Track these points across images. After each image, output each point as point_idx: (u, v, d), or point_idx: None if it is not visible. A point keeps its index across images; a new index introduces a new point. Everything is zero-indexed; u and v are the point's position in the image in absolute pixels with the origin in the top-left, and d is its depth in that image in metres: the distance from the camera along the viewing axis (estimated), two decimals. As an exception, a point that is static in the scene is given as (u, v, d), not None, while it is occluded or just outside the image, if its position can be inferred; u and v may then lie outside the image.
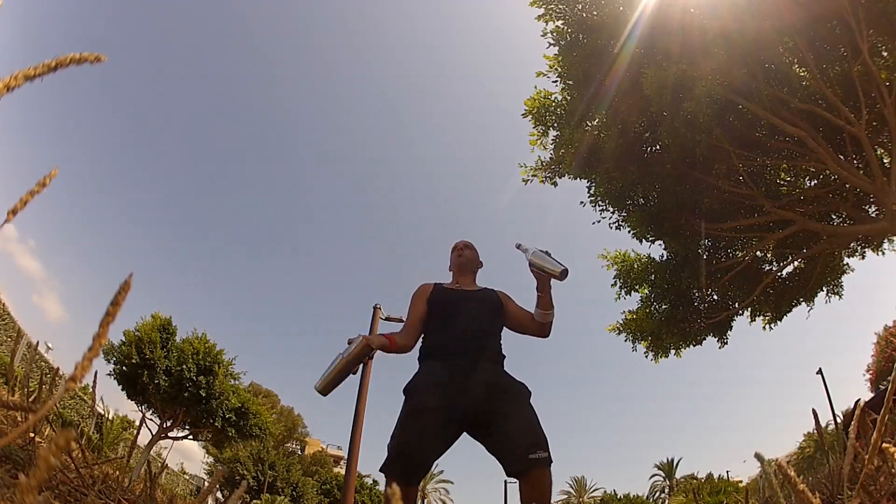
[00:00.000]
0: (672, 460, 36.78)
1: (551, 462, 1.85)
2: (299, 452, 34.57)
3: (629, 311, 10.24)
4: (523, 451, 1.82)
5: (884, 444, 0.84)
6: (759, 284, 9.08)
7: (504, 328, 2.27)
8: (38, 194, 0.59)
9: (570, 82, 8.53)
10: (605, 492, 33.46)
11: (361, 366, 2.07)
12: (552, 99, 8.90)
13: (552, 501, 1.87)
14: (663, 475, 37.29)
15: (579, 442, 67.74)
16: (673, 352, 10.12)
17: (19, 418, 1.72)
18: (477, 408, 1.92)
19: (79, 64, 0.56)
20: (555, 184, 9.50)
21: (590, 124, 8.83)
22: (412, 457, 1.81)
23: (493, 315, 2.24)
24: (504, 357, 2.18)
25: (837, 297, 9.66)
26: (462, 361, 2.02)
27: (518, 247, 2.32)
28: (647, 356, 10.20)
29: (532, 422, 1.92)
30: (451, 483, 43.40)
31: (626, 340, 10.22)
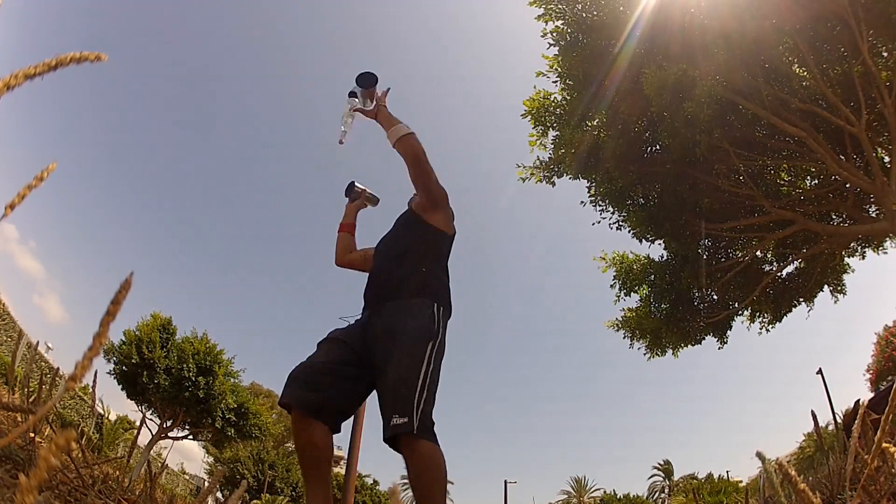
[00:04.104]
0: (668, 461, 36.81)
1: (415, 430, 1.45)
2: (299, 452, 34.50)
3: (628, 309, 10.24)
4: (386, 417, 1.52)
5: (884, 445, 0.84)
6: (759, 284, 9.08)
7: (423, 232, 1.91)
8: (36, 188, 0.59)
9: (570, 82, 8.53)
10: (605, 492, 33.47)
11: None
12: (552, 99, 8.91)
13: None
14: (663, 475, 37.29)
15: (579, 442, 67.72)
16: (671, 351, 10.12)
17: (19, 418, 1.72)
18: (359, 354, 1.71)
19: (79, 63, 0.56)
20: (553, 184, 9.50)
21: (590, 124, 8.83)
22: (303, 379, 1.63)
23: (402, 234, 1.97)
24: (419, 281, 1.78)
25: (842, 294, 9.65)
26: (367, 307, 1.83)
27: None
28: (643, 353, 10.21)
29: (399, 378, 1.54)
30: (452, 483, 43.38)
31: (624, 337, 10.23)
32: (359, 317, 1.87)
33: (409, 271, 1.80)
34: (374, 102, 2.00)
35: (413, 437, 1.46)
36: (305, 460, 1.60)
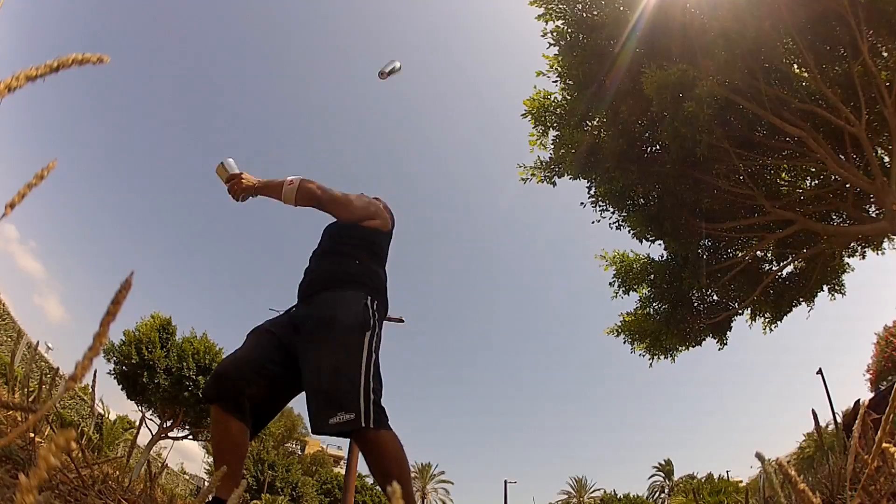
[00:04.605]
0: (668, 461, 36.82)
1: (365, 424, 1.43)
2: (299, 452, 34.57)
3: (627, 313, 10.22)
4: (319, 413, 1.46)
5: (884, 445, 0.84)
6: (759, 284, 9.08)
7: (355, 230, 1.89)
8: (36, 187, 0.59)
9: (570, 82, 8.53)
10: (605, 492, 33.48)
11: None
12: (552, 99, 8.90)
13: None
14: (663, 475, 37.31)
15: (579, 442, 67.73)
16: (671, 354, 10.09)
17: (19, 418, 1.72)
18: (287, 345, 1.66)
19: (81, 65, 0.56)
20: (553, 184, 9.50)
21: (590, 124, 8.83)
22: (219, 374, 1.60)
23: (334, 232, 1.95)
24: (352, 273, 1.76)
25: (840, 294, 9.65)
26: (301, 300, 1.79)
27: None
28: (644, 357, 10.19)
29: (337, 371, 1.48)
30: (452, 483, 43.38)
31: (624, 342, 10.21)
32: (290, 308, 1.84)
33: (342, 263, 1.78)
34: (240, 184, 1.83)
35: (368, 429, 1.44)
36: (219, 453, 1.58)
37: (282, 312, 1.85)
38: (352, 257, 1.80)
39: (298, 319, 1.70)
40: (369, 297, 1.71)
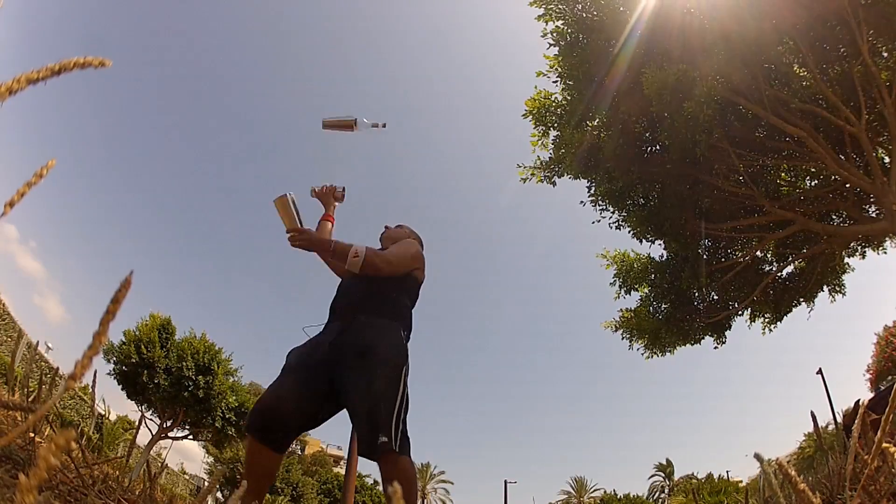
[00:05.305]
0: (669, 461, 36.82)
1: (396, 448, 1.65)
2: (299, 452, 34.53)
3: (626, 309, 10.24)
4: (363, 438, 1.68)
5: (884, 445, 0.84)
6: (759, 284, 9.07)
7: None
8: (35, 186, 0.59)
9: (571, 82, 8.53)
10: (605, 492, 33.44)
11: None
12: (552, 99, 8.90)
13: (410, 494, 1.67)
14: (663, 475, 37.30)
15: (579, 442, 67.72)
16: (668, 351, 10.11)
17: (19, 418, 1.72)
18: (329, 371, 1.79)
19: (83, 68, 0.56)
20: (553, 183, 9.50)
21: (590, 124, 8.82)
22: (265, 413, 1.76)
23: None
24: (388, 304, 1.92)
25: (841, 295, 9.65)
26: (337, 319, 1.93)
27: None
28: (642, 353, 10.22)
29: (378, 400, 1.67)
30: (452, 483, 43.37)
31: (622, 338, 10.24)
32: (321, 328, 1.97)
33: (381, 292, 1.93)
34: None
35: (394, 453, 1.65)
36: (250, 474, 1.76)
37: (314, 335, 1.97)
38: (389, 290, 1.95)
39: (339, 346, 1.83)
40: (401, 329, 1.89)
